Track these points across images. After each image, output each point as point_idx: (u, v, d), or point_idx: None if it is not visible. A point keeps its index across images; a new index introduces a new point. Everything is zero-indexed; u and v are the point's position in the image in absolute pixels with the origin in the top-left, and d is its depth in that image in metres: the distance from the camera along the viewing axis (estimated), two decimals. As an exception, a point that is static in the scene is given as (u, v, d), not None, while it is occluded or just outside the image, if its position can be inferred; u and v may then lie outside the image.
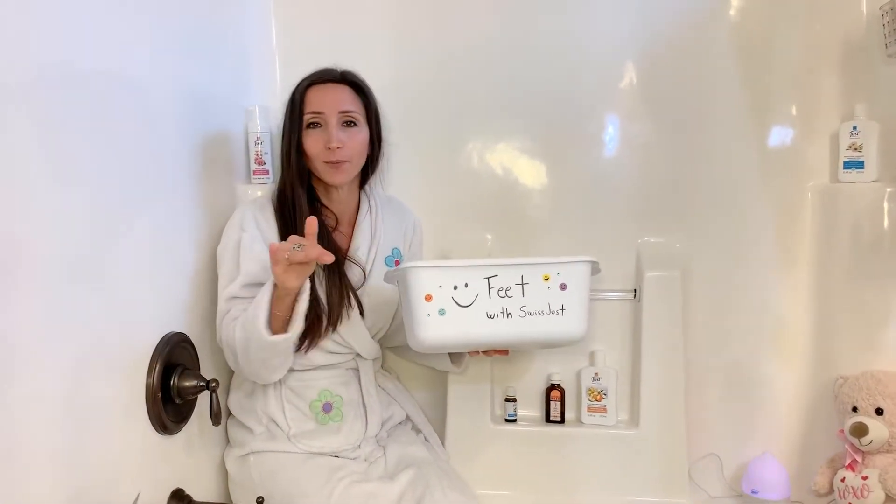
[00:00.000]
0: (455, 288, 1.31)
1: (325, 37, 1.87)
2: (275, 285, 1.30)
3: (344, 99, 1.51)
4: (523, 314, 1.34)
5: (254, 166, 1.75)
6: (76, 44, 1.07)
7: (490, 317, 1.33)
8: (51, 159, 1.01)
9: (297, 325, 1.34)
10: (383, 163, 1.65)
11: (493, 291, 1.33)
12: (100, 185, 1.13)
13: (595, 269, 1.40)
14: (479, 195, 1.89)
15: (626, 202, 1.86)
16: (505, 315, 1.34)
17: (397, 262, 1.63)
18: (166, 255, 1.37)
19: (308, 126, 1.49)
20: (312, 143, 1.48)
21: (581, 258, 1.37)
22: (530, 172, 1.89)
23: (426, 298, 1.30)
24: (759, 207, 1.83)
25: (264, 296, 1.31)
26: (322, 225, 1.51)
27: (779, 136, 1.82)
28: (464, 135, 1.89)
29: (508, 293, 1.34)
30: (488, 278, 1.33)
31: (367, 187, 1.64)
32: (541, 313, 1.35)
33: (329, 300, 1.48)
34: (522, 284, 1.34)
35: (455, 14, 1.86)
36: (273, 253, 1.25)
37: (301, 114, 1.49)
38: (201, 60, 1.55)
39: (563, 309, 1.36)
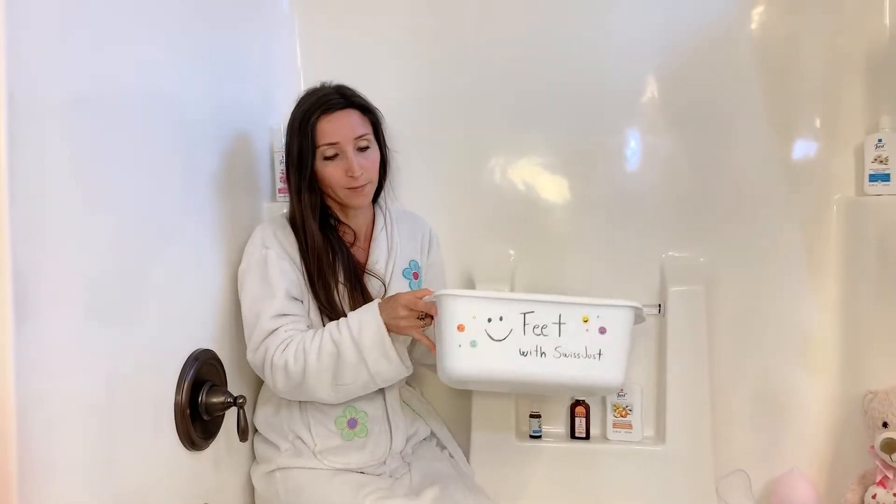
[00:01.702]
0: (489, 320, 1.29)
1: (347, 55, 1.89)
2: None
3: (356, 124, 1.50)
4: (557, 355, 1.30)
5: (279, 185, 1.77)
6: (107, 66, 1.09)
7: (523, 354, 1.29)
8: (83, 181, 1.03)
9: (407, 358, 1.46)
10: (392, 175, 1.65)
11: (529, 328, 1.30)
12: (130, 206, 1.15)
13: (639, 316, 1.36)
14: (502, 210, 1.90)
15: (650, 216, 1.86)
16: (538, 353, 1.30)
17: (415, 275, 1.64)
18: (194, 272, 1.39)
19: (325, 158, 1.48)
20: (332, 172, 1.49)
21: (624, 303, 1.33)
22: (553, 187, 1.89)
23: (458, 328, 1.28)
24: (784, 221, 1.82)
25: (382, 327, 1.39)
26: (340, 241, 1.53)
27: (803, 148, 1.81)
28: (486, 150, 1.90)
29: (544, 331, 1.30)
30: (525, 314, 1.29)
31: (380, 201, 1.65)
32: (576, 356, 1.30)
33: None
34: (560, 324, 1.30)
35: (476, 31, 1.88)
36: (414, 305, 1.36)
37: (315, 146, 1.48)
38: (228, 81, 1.57)
39: (599, 354, 1.31)
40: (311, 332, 1.44)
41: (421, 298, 1.36)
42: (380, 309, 1.41)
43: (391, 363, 1.41)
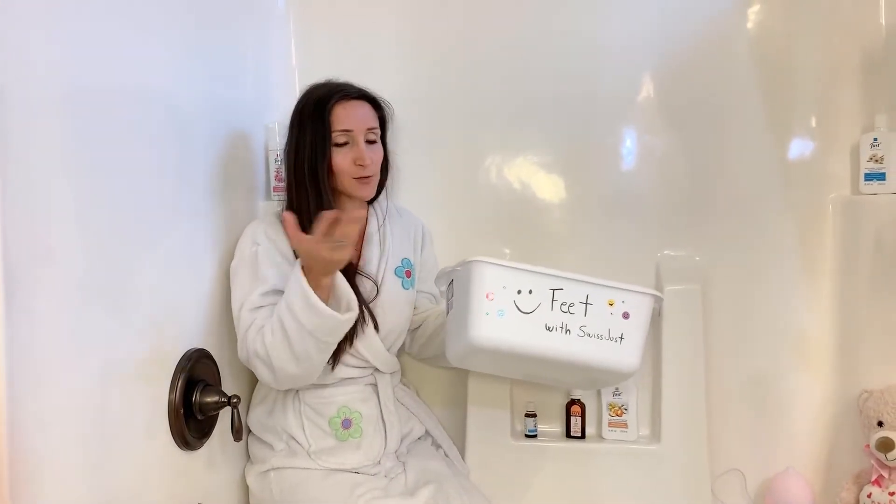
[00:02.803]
0: (519, 292, 1.29)
1: (342, 53, 1.89)
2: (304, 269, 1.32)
3: (368, 116, 1.52)
4: (581, 334, 1.31)
5: (273, 183, 1.76)
6: (99, 64, 1.09)
7: (548, 329, 1.30)
8: (75, 179, 1.02)
9: (353, 300, 1.36)
10: (392, 176, 1.65)
11: (556, 304, 1.30)
12: (123, 204, 1.15)
13: (657, 309, 1.38)
14: (498, 209, 1.90)
15: (645, 215, 1.86)
16: (563, 330, 1.30)
17: (408, 273, 1.63)
18: (188, 270, 1.38)
19: (336, 145, 1.48)
20: (341, 160, 1.48)
21: (650, 290, 1.35)
22: (549, 186, 1.89)
23: (487, 296, 1.27)
24: (780, 220, 1.82)
25: (301, 281, 1.31)
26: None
27: (799, 148, 1.81)
28: (482, 149, 1.90)
29: (571, 309, 1.31)
30: (554, 290, 1.30)
31: (376, 200, 1.64)
32: (599, 337, 1.32)
33: None
34: (586, 304, 1.31)
35: (473, 29, 1.88)
36: (323, 230, 1.28)
37: (330, 131, 1.47)
38: (222, 79, 1.57)
39: (621, 338, 1.33)
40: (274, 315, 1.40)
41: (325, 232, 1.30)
42: (300, 262, 1.36)
43: (319, 314, 1.32)
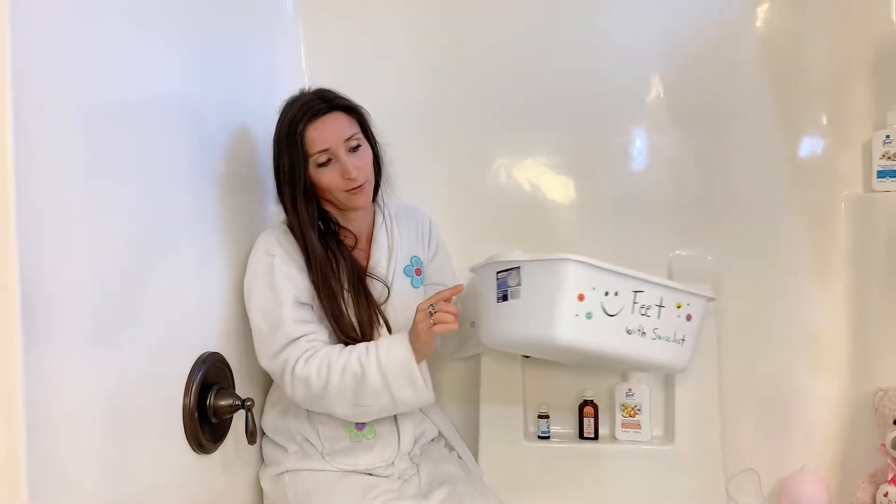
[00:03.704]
0: (606, 294, 1.29)
1: (352, 57, 1.90)
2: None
3: (343, 126, 1.47)
4: (654, 336, 1.33)
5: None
6: (112, 72, 1.10)
7: (629, 332, 1.31)
8: (90, 187, 1.03)
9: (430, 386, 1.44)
10: (388, 170, 1.61)
11: (637, 307, 1.31)
12: (138, 210, 1.15)
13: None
14: (508, 211, 1.90)
15: (656, 215, 1.86)
16: (640, 333, 1.32)
17: (418, 271, 1.63)
18: (202, 275, 1.39)
19: (319, 165, 1.46)
20: (328, 178, 1.46)
21: (710, 294, 1.39)
22: (558, 187, 1.89)
23: (579, 297, 1.26)
24: (792, 218, 1.81)
25: (409, 357, 1.39)
26: (342, 246, 1.53)
27: (810, 146, 1.81)
28: (491, 150, 1.90)
29: (648, 312, 1.32)
30: (635, 292, 1.31)
31: (378, 199, 1.62)
32: (667, 339, 1.34)
33: (360, 321, 1.49)
34: (660, 306, 1.33)
35: (481, 31, 1.88)
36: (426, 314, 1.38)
37: (306, 156, 1.45)
38: (233, 84, 1.57)
39: (683, 339, 1.36)
40: (337, 347, 1.44)
41: (434, 300, 1.39)
42: (410, 335, 1.41)
43: (416, 390, 1.41)
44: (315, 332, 1.45)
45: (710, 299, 1.42)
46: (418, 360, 1.40)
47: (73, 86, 1.00)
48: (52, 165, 0.94)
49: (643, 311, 1.31)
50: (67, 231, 0.98)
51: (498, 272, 1.39)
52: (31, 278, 0.88)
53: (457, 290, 1.42)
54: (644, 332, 1.31)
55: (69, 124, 0.98)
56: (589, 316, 1.27)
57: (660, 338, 1.33)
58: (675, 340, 1.35)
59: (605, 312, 1.28)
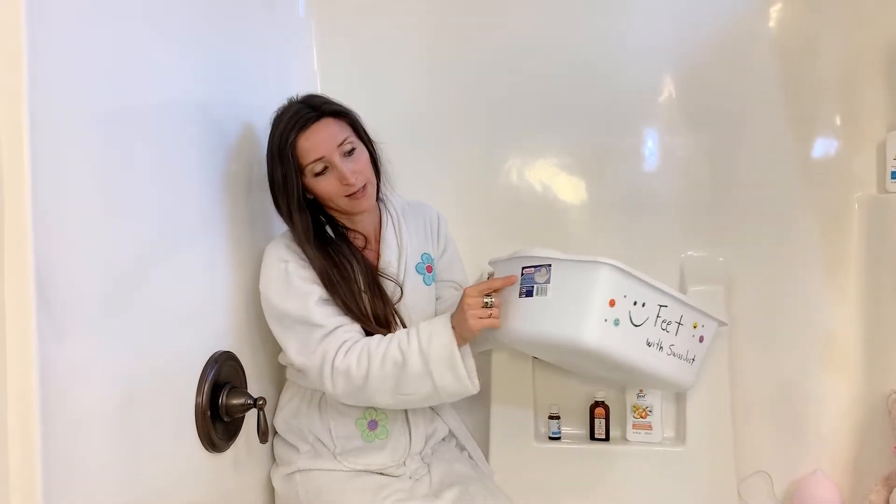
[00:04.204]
0: (634, 303, 1.29)
1: (364, 58, 1.90)
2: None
3: (335, 132, 1.45)
4: (670, 352, 1.34)
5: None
6: (124, 75, 1.10)
7: (648, 344, 1.31)
8: (104, 189, 1.04)
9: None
10: (388, 168, 1.59)
11: (659, 321, 1.31)
12: (150, 211, 1.16)
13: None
14: (519, 211, 1.90)
15: (668, 216, 1.85)
16: (658, 347, 1.32)
17: (429, 268, 1.62)
18: (213, 274, 1.40)
19: (316, 175, 1.45)
20: (327, 186, 1.45)
21: (724, 319, 1.41)
22: (569, 188, 1.89)
23: (610, 302, 1.26)
24: (805, 220, 1.81)
25: (452, 343, 1.36)
26: (352, 248, 1.52)
27: (823, 146, 1.80)
28: (503, 151, 1.91)
29: (667, 328, 1.32)
30: (661, 306, 1.31)
31: (382, 198, 1.61)
32: (680, 357, 1.35)
33: (377, 321, 1.49)
34: (679, 324, 1.33)
35: (493, 32, 1.89)
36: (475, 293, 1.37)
37: (300, 168, 1.44)
38: (244, 86, 1.58)
39: (693, 359, 1.37)
40: (376, 337, 1.43)
41: (485, 288, 1.38)
42: (451, 319, 1.40)
43: (458, 378, 1.38)
44: (348, 323, 1.44)
45: (723, 324, 1.43)
46: (460, 345, 1.38)
47: (87, 90, 1.00)
48: (66, 168, 0.95)
49: (664, 325, 1.32)
50: (82, 232, 0.98)
51: (524, 267, 1.38)
52: (46, 279, 0.89)
53: (510, 280, 1.39)
54: (661, 347, 1.32)
55: (83, 127, 0.99)
56: (616, 323, 1.27)
57: (674, 354, 1.34)
58: (686, 359, 1.36)
59: (631, 322, 1.28)
